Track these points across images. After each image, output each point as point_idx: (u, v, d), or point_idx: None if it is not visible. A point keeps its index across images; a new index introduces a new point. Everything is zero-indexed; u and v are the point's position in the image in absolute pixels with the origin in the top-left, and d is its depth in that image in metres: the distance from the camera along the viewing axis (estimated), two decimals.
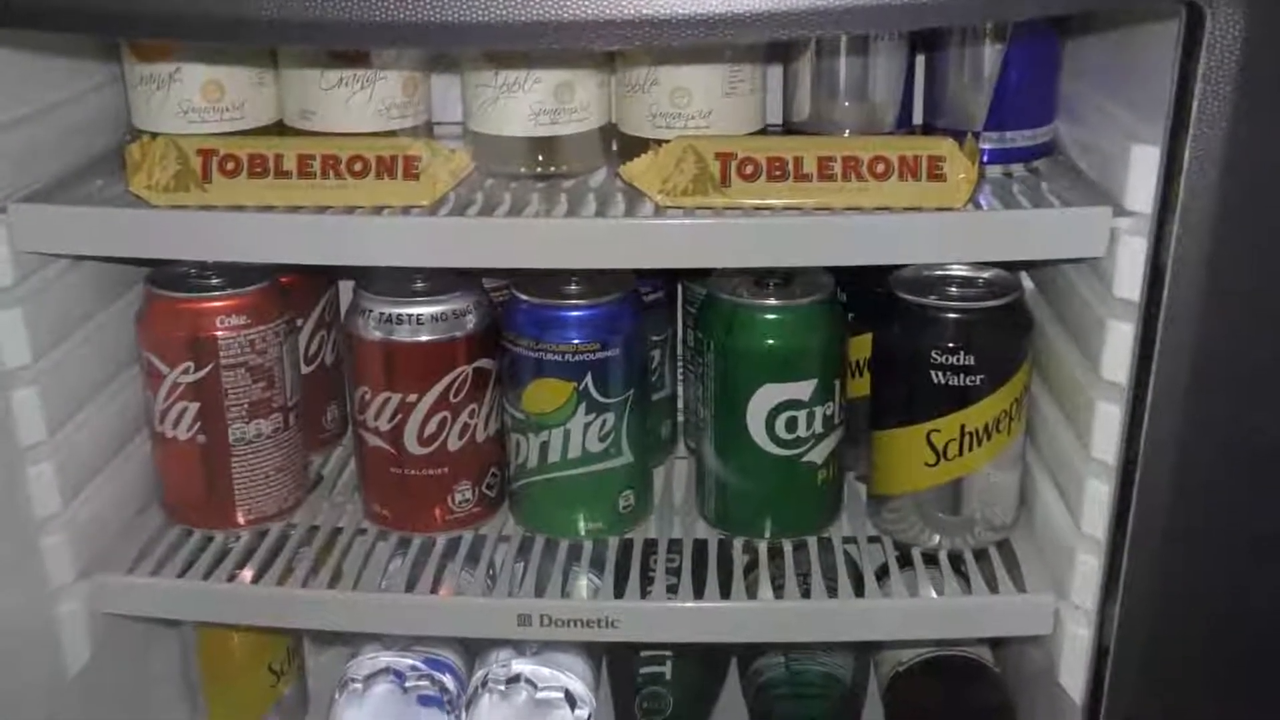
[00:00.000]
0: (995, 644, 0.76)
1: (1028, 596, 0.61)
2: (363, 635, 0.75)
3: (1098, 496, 0.57)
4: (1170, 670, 0.56)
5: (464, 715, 0.73)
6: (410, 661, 0.74)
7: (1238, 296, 0.51)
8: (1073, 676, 0.61)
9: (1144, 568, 0.54)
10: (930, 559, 0.65)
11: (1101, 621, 0.57)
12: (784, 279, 0.65)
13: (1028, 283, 0.68)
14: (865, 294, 0.66)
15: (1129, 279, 0.54)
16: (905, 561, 0.65)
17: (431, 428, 0.66)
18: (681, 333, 0.76)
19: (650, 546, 0.68)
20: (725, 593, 0.63)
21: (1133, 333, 0.54)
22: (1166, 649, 0.56)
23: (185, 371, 0.65)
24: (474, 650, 0.76)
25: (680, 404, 0.77)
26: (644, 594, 0.63)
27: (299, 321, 0.71)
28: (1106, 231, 0.55)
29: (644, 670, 0.76)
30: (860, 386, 0.69)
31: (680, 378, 0.76)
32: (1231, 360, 0.52)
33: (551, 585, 0.64)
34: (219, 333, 0.64)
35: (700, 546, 0.67)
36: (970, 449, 0.63)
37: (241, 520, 0.68)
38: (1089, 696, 0.58)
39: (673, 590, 0.63)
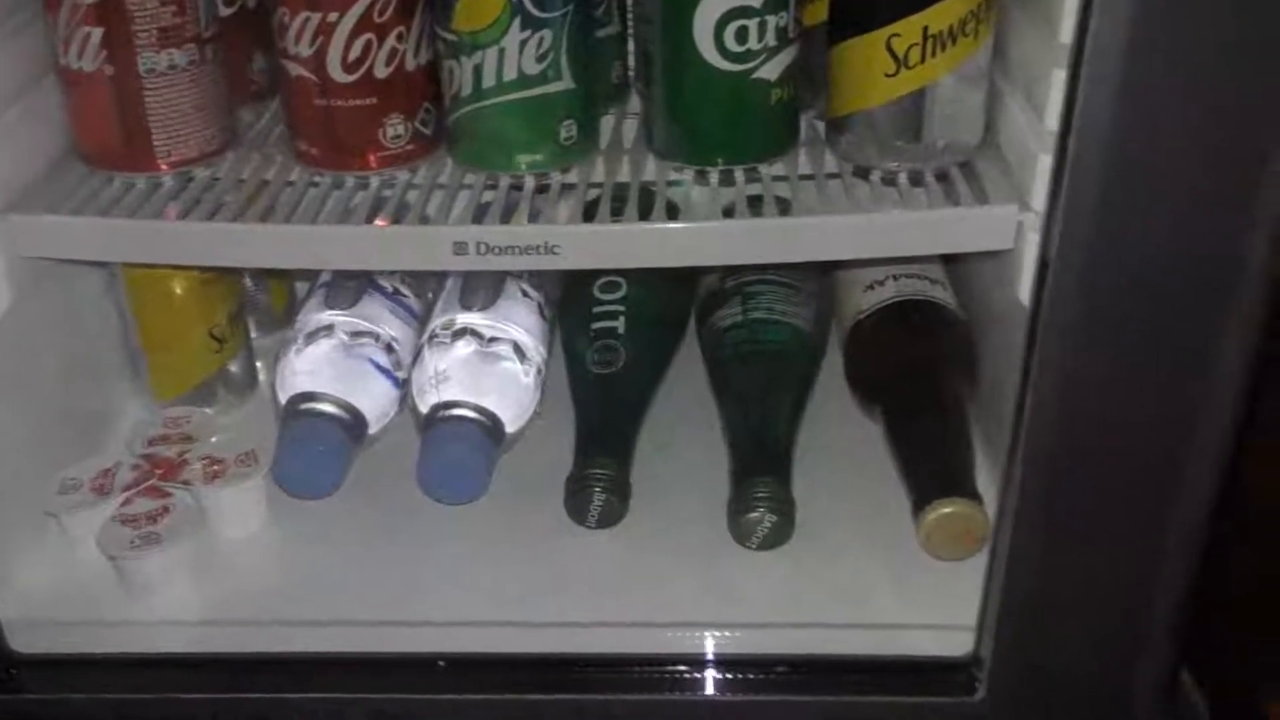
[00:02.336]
0: (957, 288, 0.75)
1: (989, 208, 0.58)
2: (308, 301, 0.74)
3: (1059, 83, 0.53)
4: (1105, 286, 0.53)
5: (411, 372, 0.72)
6: (353, 318, 0.72)
7: None
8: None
9: (1090, 170, 0.51)
10: (889, 181, 0.63)
11: (1047, 226, 0.54)
12: None
13: None
14: None
15: None
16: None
17: (356, 52, 0.61)
18: None
19: (596, 186, 0.64)
20: (672, 215, 0.61)
21: None
22: (1101, 265, 0.53)
23: None
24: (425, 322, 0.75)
25: (631, 46, 0.72)
26: (587, 219, 0.61)
27: None
28: None
29: (596, 325, 0.74)
30: (819, 11, 0.65)
31: (631, 15, 0.71)
32: None
33: (490, 215, 0.61)
34: None
35: (649, 183, 0.64)
36: (933, 54, 0.59)
37: (162, 163, 0.64)
38: (1031, 311, 0.56)
39: (618, 214, 0.61)
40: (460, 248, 0.60)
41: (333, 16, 0.60)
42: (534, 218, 0.62)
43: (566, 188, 0.65)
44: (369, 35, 0.61)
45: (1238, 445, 0.52)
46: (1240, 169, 0.48)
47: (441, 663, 0.60)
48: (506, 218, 0.62)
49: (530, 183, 0.64)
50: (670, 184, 0.63)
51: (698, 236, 0.60)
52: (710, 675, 0.62)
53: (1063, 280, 0.50)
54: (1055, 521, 0.53)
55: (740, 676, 0.61)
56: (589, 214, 0.61)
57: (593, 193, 0.63)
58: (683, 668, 0.63)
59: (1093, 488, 0.53)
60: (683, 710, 0.60)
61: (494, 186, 0.64)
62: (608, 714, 0.62)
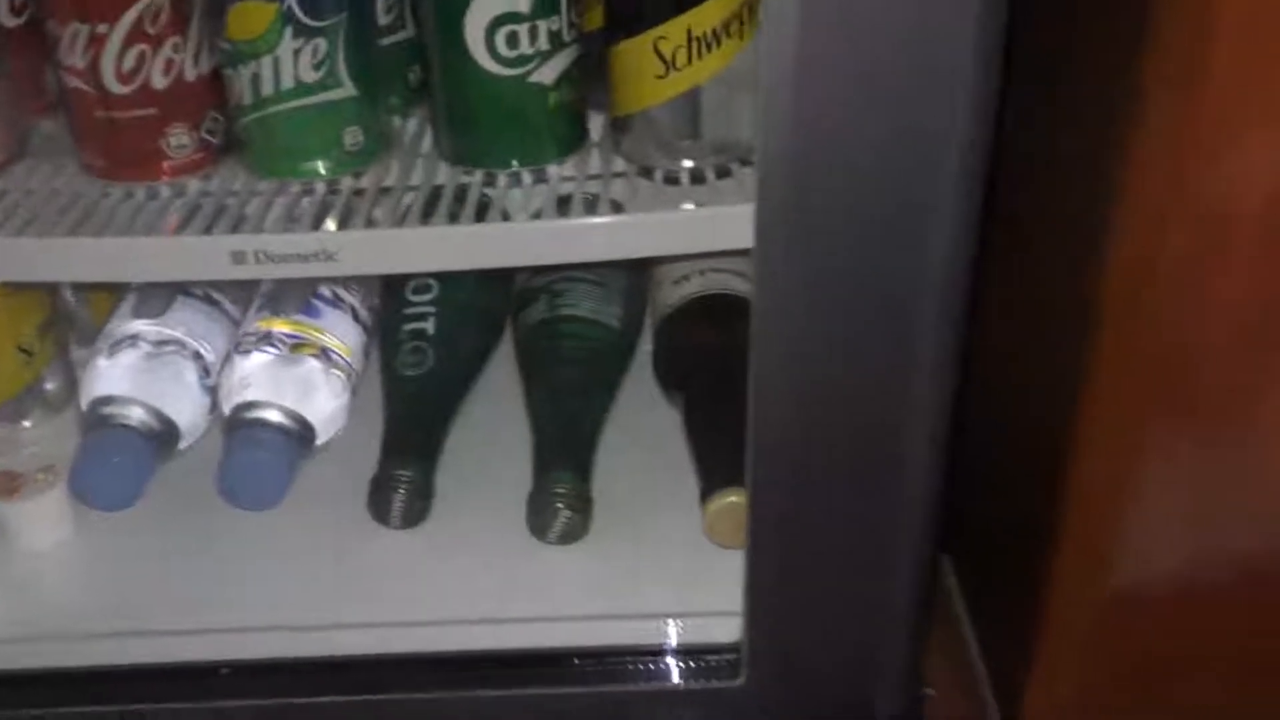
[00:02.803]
0: None
1: (749, 205, 0.60)
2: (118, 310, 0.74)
3: None
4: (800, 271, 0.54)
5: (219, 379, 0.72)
6: (160, 328, 0.72)
7: None
8: None
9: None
10: (672, 179, 0.64)
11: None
12: None
13: None
14: None
15: None
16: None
17: (130, 62, 0.61)
18: None
19: (386, 191, 0.65)
20: (454, 219, 0.61)
21: None
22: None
23: None
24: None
25: None
26: (369, 225, 0.61)
27: None
28: None
29: (407, 326, 0.75)
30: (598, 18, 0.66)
31: None
32: None
33: (272, 222, 0.62)
34: None
35: (438, 187, 0.65)
36: (699, 56, 0.60)
37: None
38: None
39: (401, 220, 0.61)
40: (239, 257, 0.60)
41: (102, 28, 0.60)
42: (319, 224, 0.62)
43: (357, 193, 0.65)
44: (142, 46, 0.60)
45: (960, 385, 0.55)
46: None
47: (224, 670, 0.61)
48: (292, 224, 0.63)
49: (321, 188, 0.65)
50: (459, 187, 0.64)
51: (471, 240, 0.60)
52: (498, 672, 0.63)
53: (768, 250, 0.52)
54: (787, 502, 0.55)
55: (531, 672, 0.62)
56: (376, 218, 0.62)
57: (381, 198, 0.63)
58: (485, 665, 0.64)
59: (818, 466, 0.54)
60: (474, 706, 0.61)
61: (285, 193, 0.64)
62: (409, 713, 0.63)
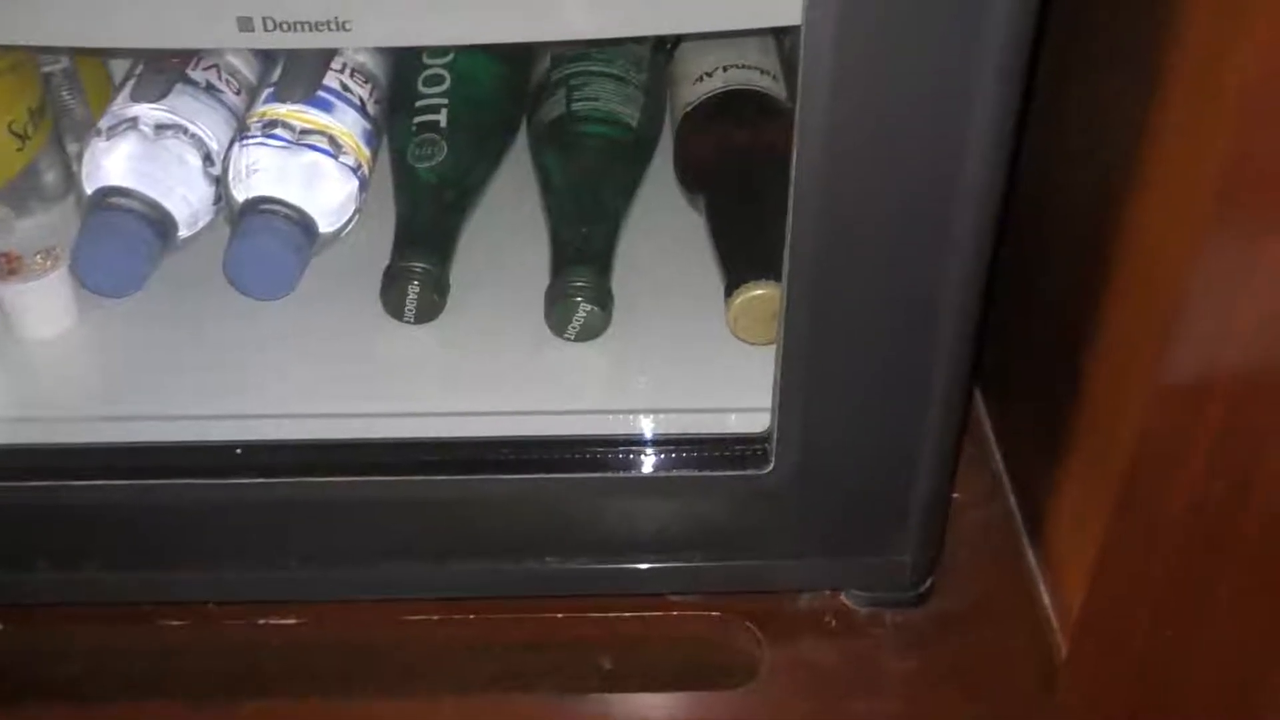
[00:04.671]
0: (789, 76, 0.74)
1: None
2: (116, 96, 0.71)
3: None
4: (853, 51, 0.49)
5: (223, 167, 0.69)
6: (160, 112, 0.69)
7: None
8: None
9: None
10: None
11: None
12: None
13: None
14: None
15: None
16: None
17: None
18: None
19: None
20: None
21: None
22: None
23: None
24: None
25: None
26: None
27: None
28: None
29: (418, 119, 0.72)
30: None
31: None
32: None
33: None
34: None
35: None
36: None
37: None
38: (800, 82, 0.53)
39: None
40: (245, 24, 0.56)
41: None
42: None
43: None
44: None
45: (1008, 186, 0.52)
46: None
47: (238, 450, 0.60)
48: None
49: None
50: None
51: (494, 6, 0.57)
52: (528, 457, 0.62)
53: (813, 45, 0.49)
54: (826, 290, 0.53)
55: (556, 457, 0.61)
56: None
57: None
58: (505, 451, 0.62)
59: (860, 251, 0.52)
60: (500, 489, 0.61)
61: None
62: (423, 498, 0.62)
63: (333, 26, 0.57)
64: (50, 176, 0.77)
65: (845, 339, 0.54)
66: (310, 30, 0.57)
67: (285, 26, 0.57)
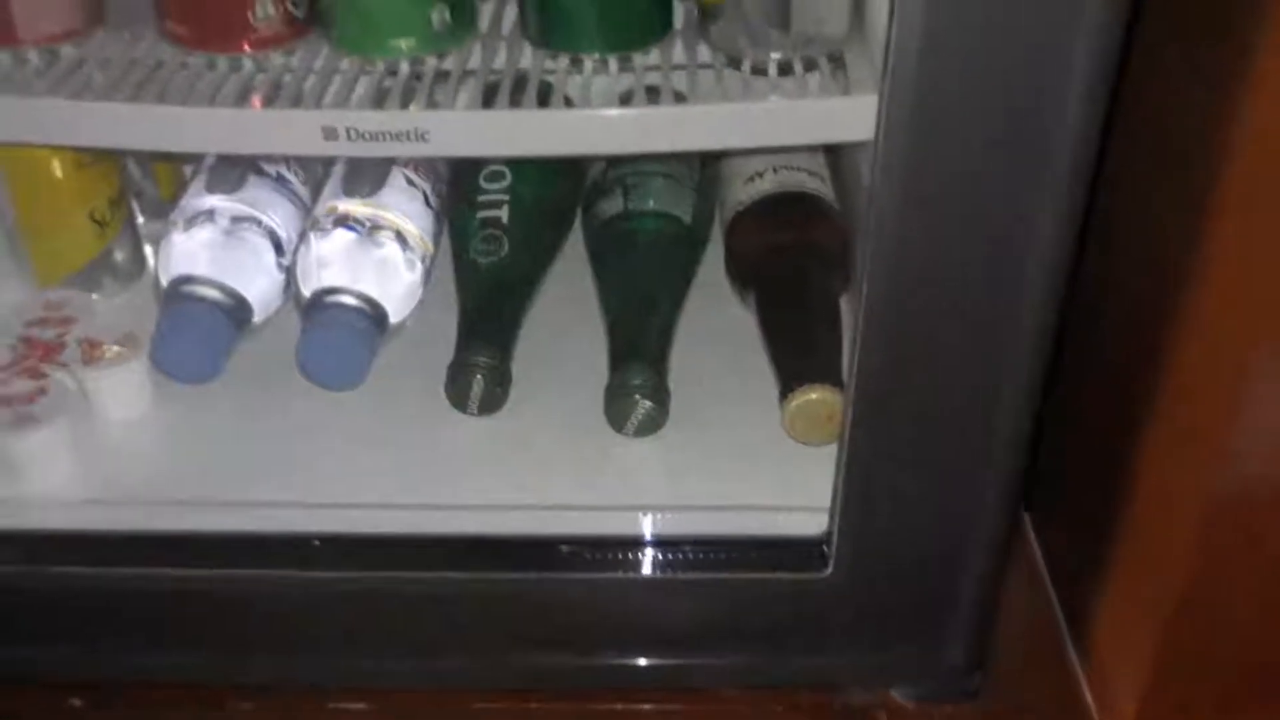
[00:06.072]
0: (838, 183, 0.76)
1: (850, 98, 0.59)
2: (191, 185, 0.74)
3: None
4: (926, 167, 0.53)
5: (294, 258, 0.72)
6: (235, 203, 0.72)
7: None
8: None
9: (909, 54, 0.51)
10: (760, 70, 0.63)
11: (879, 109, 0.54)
12: None
13: None
14: None
15: None
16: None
17: None
18: None
19: (470, 73, 0.64)
20: (543, 102, 0.61)
21: None
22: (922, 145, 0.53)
23: None
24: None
25: None
26: (458, 106, 0.61)
27: None
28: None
29: (481, 214, 0.75)
30: None
31: None
32: None
33: (362, 101, 0.61)
34: None
35: (523, 70, 0.64)
36: None
37: (24, 35, 0.62)
38: (868, 194, 0.56)
39: (489, 102, 0.61)
40: (330, 133, 0.59)
41: None
42: (405, 103, 0.62)
43: (441, 74, 0.64)
44: None
45: (1065, 306, 0.55)
46: (1053, 43, 0.48)
47: (317, 541, 0.62)
48: (379, 103, 0.62)
49: (405, 68, 0.64)
50: (545, 72, 0.64)
51: (566, 125, 0.60)
52: (588, 555, 0.64)
53: (889, 159, 0.51)
54: (890, 400, 0.55)
55: (616, 556, 0.63)
56: (460, 100, 0.61)
57: (467, 79, 0.63)
58: (565, 548, 0.65)
59: (923, 368, 0.55)
60: (555, 587, 0.63)
61: (369, 72, 0.64)
62: (486, 592, 0.64)
63: (412, 137, 0.60)
64: (123, 255, 0.80)
65: (907, 448, 0.56)
66: (390, 140, 0.60)
67: (368, 136, 0.60)
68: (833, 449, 0.63)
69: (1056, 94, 0.49)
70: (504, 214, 0.74)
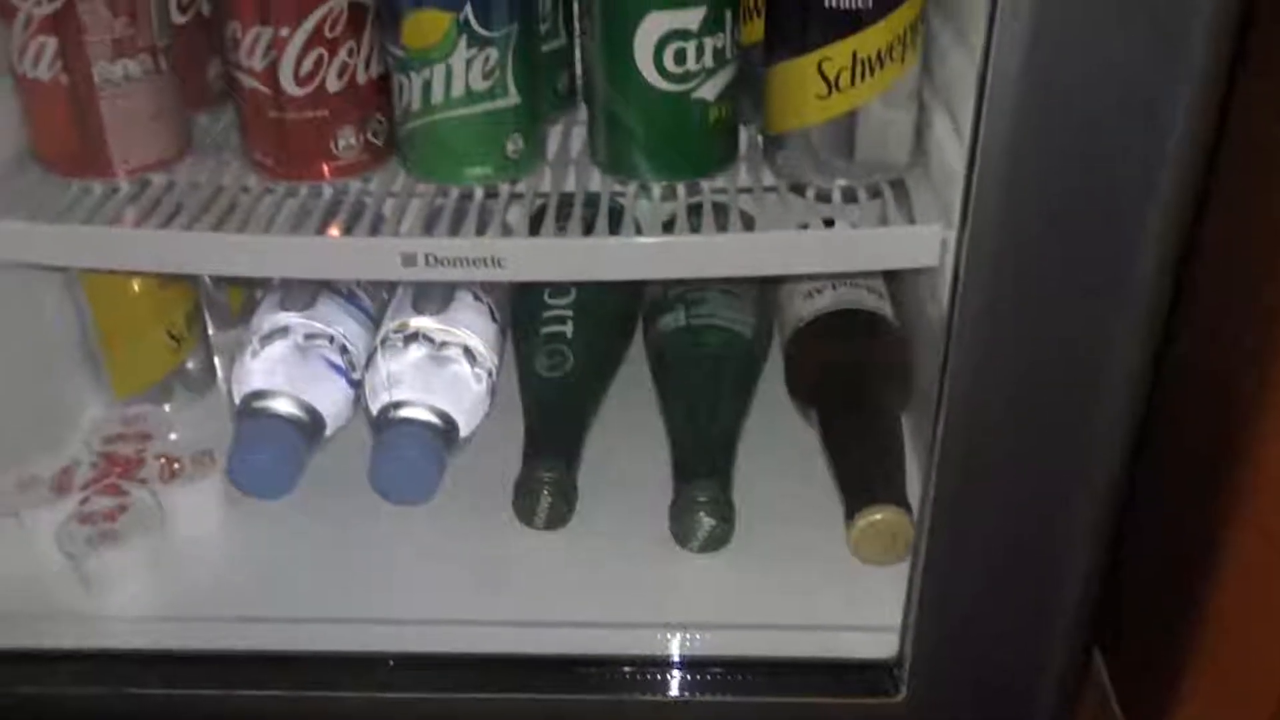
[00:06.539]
0: (895, 300, 0.77)
1: (915, 227, 0.61)
2: (264, 302, 0.76)
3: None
4: (1010, 302, 0.55)
5: (364, 374, 0.74)
6: (308, 320, 0.74)
7: None
8: None
9: (991, 189, 0.52)
10: (824, 197, 0.65)
11: (957, 246, 0.56)
12: None
13: None
14: None
15: None
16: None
17: (308, 66, 0.63)
18: None
19: (542, 196, 0.66)
20: (615, 229, 0.63)
21: None
22: (1005, 280, 0.54)
23: (38, 3, 0.61)
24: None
25: (578, 56, 0.74)
26: (533, 233, 0.63)
27: None
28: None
29: (546, 329, 0.76)
30: (757, 30, 0.67)
31: (577, 30, 0.73)
32: None
33: (439, 226, 0.63)
34: None
35: (593, 194, 0.66)
36: (863, 78, 0.61)
37: (119, 170, 0.66)
38: (946, 323, 0.58)
39: (562, 229, 0.63)
40: (409, 259, 0.62)
41: (285, 31, 0.62)
42: (481, 230, 0.64)
43: (515, 198, 0.67)
44: (320, 50, 0.62)
45: (1139, 440, 0.55)
46: (1132, 190, 0.50)
47: (391, 661, 0.63)
48: (455, 229, 0.64)
49: (479, 193, 0.66)
50: (614, 196, 0.66)
51: (637, 251, 0.62)
52: (649, 676, 0.64)
53: (970, 294, 0.53)
54: (966, 525, 0.56)
55: (677, 677, 0.64)
56: (535, 228, 0.63)
57: (539, 204, 0.65)
58: (626, 669, 0.65)
59: (1001, 491, 0.55)
60: (620, 709, 0.63)
61: (444, 195, 0.66)
62: (554, 713, 0.64)
63: (489, 263, 0.62)
64: (195, 366, 0.82)
65: (981, 574, 0.57)
66: (467, 266, 0.62)
67: (446, 262, 0.62)
68: (898, 568, 0.64)
69: (1135, 222, 0.50)
70: (568, 329, 0.76)
